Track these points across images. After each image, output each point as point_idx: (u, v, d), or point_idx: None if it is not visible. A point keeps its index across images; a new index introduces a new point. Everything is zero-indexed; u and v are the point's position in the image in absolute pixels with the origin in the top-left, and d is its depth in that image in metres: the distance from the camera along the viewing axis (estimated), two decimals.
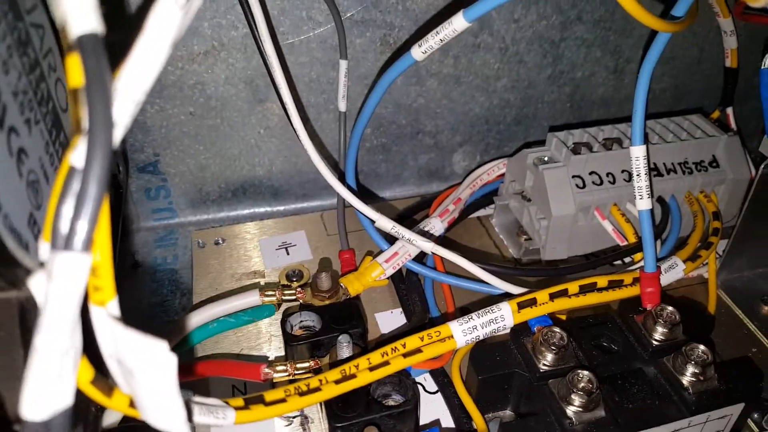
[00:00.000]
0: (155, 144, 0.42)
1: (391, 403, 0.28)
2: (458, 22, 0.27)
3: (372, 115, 0.35)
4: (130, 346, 0.15)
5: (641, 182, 0.31)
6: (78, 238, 0.13)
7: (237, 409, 0.23)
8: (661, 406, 0.28)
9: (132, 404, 0.18)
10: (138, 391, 0.16)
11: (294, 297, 0.34)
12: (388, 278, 0.37)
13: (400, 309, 0.37)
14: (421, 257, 0.38)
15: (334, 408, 0.28)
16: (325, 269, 0.34)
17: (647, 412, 0.28)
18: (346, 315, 0.33)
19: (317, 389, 0.25)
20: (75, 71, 0.13)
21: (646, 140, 0.31)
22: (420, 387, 0.32)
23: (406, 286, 0.37)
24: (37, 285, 0.14)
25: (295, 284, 0.35)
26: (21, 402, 0.13)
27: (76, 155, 0.13)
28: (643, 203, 0.31)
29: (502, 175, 0.45)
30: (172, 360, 0.15)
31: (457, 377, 0.31)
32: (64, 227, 0.13)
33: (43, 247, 0.14)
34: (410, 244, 0.35)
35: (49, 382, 0.13)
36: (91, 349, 0.16)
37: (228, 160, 0.44)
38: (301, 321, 0.33)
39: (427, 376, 0.33)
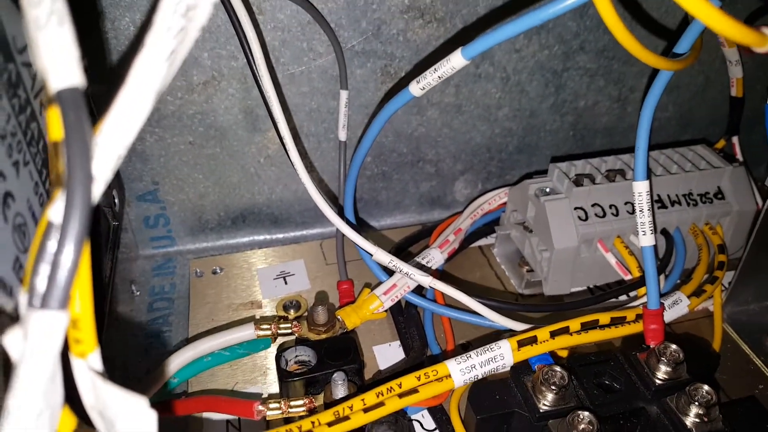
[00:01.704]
0: (154, 173, 0.42)
1: None
2: (456, 60, 0.27)
3: (371, 146, 0.34)
4: (111, 401, 0.15)
5: (644, 218, 0.30)
6: (54, 296, 0.13)
7: None
8: None
9: None
10: None
11: (290, 331, 0.33)
12: (386, 311, 0.36)
13: (399, 342, 0.36)
14: (420, 289, 0.38)
15: None
16: (321, 302, 0.34)
17: None
18: (343, 350, 0.32)
19: (312, 428, 0.25)
20: (55, 125, 0.13)
21: (649, 174, 0.31)
22: (417, 424, 0.32)
23: (404, 319, 0.37)
24: (12, 342, 0.13)
25: (292, 315, 0.35)
26: None
27: (55, 210, 0.13)
28: (646, 239, 0.30)
29: (504, 203, 0.44)
30: (152, 417, 0.15)
31: (455, 415, 0.31)
32: (40, 285, 0.13)
33: (22, 299, 0.14)
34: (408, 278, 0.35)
35: None
36: (74, 396, 0.16)
37: (227, 188, 0.44)
38: (297, 356, 0.32)
39: (425, 413, 0.32)
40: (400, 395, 0.27)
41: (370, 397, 0.26)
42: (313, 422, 0.25)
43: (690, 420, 0.28)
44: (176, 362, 0.32)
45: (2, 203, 0.18)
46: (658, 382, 0.29)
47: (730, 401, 0.30)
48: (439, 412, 0.32)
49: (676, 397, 0.29)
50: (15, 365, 0.13)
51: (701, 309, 0.39)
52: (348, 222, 0.36)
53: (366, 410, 0.26)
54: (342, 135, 0.40)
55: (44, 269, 0.13)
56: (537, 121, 0.46)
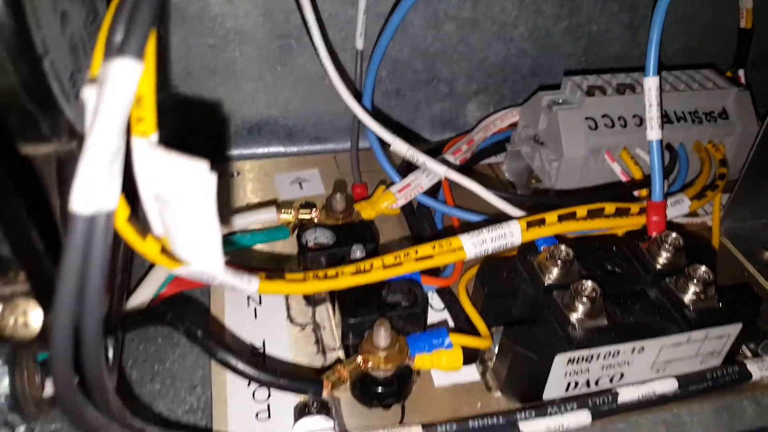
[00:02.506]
0: (174, 75, 0.43)
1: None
2: None
3: (393, 34, 0.35)
4: (171, 170, 0.16)
5: (653, 112, 0.32)
6: (132, 45, 0.14)
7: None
8: (661, 321, 0.29)
9: (163, 250, 0.19)
10: (174, 226, 0.17)
11: (309, 216, 0.35)
12: (399, 209, 0.38)
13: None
14: (432, 192, 0.39)
15: (347, 306, 0.29)
16: (339, 190, 0.35)
17: (648, 325, 0.29)
18: (360, 233, 0.34)
19: (334, 277, 0.26)
20: None
21: (659, 77, 0.32)
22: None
23: (417, 217, 0.38)
24: (89, 93, 0.15)
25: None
26: (70, 197, 0.14)
27: None
28: (654, 133, 0.32)
29: (514, 124, 0.45)
30: (212, 179, 0.16)
31: (463, 295, 0.32)
32: (118, 36, 0.14)
33: (88, 90, 0.15)
34: (424, 170, 0.36)
35: (98, 180, 0.14)
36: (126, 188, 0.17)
37: (244, 96, 0.45)
38: (316, 237, 0.34)
39: (434, 295, 0.34)
40: (417, 259, 0.28)
41: (388, 258, 0.28)
42: (337, 271, 0.27)
43: (688, 297, 0.30)
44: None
45: (61, 18, 0.19)
46: (658, 267, 0.31)
47: (725, 286, 0.31)
48: (447, 294, 0.34)
49: (675, 278, 0.30)
50: (90, 115, 0.15)
51: (700, 222, 0.40)
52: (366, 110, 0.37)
53: (385, 267, 0.28)
54: (359, 43, 0.41)
55: (122, 22, 0.14)
56: (551, 44, 0.47)
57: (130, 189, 0.17)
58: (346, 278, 0.27)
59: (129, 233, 0.18)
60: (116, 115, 0.14)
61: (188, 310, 0.34)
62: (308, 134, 0.48)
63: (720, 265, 0.37)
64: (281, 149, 0.49)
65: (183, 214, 0.17)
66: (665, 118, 0.40)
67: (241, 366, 0.25)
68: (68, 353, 0.17)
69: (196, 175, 0.16)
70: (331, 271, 0.27)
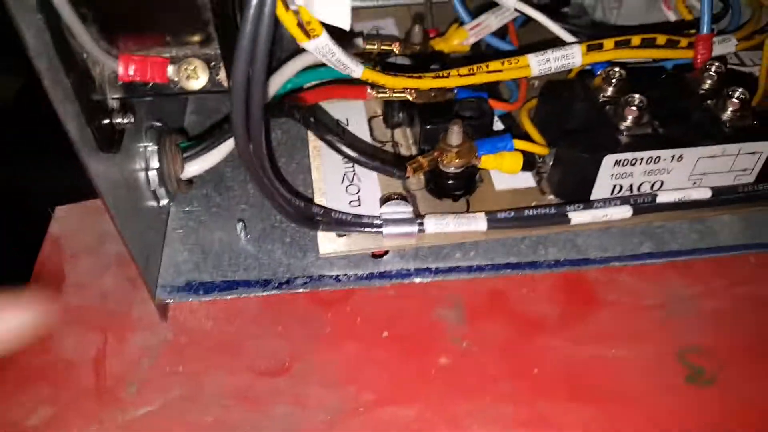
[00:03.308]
0: None
1: None
2: None
3: None
4: None
5: None
6: None
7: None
8: (700, 134, 0.34)
9: (299, 24, 0.24)
10: None
11: (390, 48, 0.40)
12: (470, 46, 0.42)
13: None
14: (501, 35, 0.43)
15: (425, 115, 0.34)
16: (418, 22, 0.39)
17: (688, 136, 0.33)
18: (436, 60, 0.38)
19: (418, 78, 0.32)
20: None
21: None
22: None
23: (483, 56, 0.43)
24: None
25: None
26: None
27: None
28: None
29: None
30: None
31: (524, 118, 0.37)
32: None
33: None
34: (495, 6, 0.40)
35: None
36: None
37: None
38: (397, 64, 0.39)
39: (497, 121, 0.39)
40: (488, 72, 0.33)
41: (463, 69, 0.33)
42: (420, 75, 0.32)
43: (725, 115, 0.34)
44: (293, 67, 0.39)
45: None
46: (701, 91, 0.35)
47: (762, 110, 0.35)
48: (510, 119, 0.39)
49: (716, 100, 0.34)
50: None
51: (748, 72, 0.43)
52: None
53: (461, 75, 0.33)
54: None
55: None
56: None
57: None
58: (428, 80, 0.32)
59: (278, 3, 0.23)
60: None
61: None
62: None
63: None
64: (358, 4, 0.52)
65: None
66: None
67: (344, 147, 0.31)
68: (243, 96, 0.22)
69: None
70: (416, 75, 0.32)
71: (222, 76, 0.26)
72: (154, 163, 0.32)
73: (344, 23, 0.23)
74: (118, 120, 0.27)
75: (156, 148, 0.32)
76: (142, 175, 0.32)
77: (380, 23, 0.49)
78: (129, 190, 0.30)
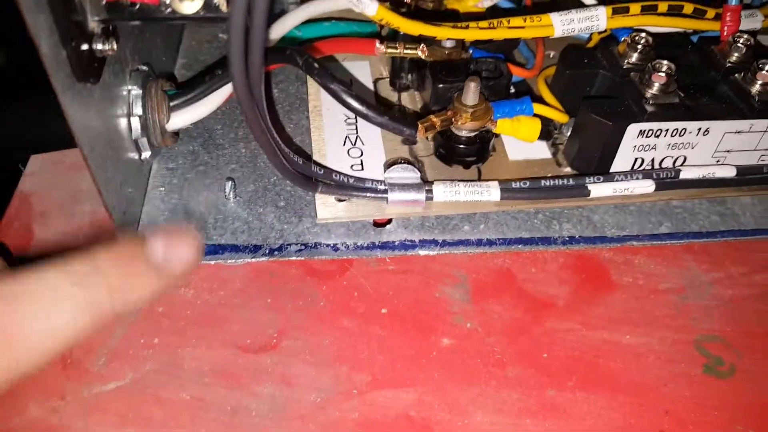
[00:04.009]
0: None
1: None
2: None
3: None
4: None
5: None
6: None
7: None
8: (728, 108, 0.32)
9: None
10: None
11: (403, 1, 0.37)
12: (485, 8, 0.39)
13: None
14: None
15: (438, 74, 0.32)
16: None
17: (715, 109, 0.31)
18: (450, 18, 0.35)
19: (436, 25, 0.29)
20: None
21: None
22: None
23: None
24: None
25: None
26: None
27: None
28: None
29: None
30: None
31: (542, 85, 0.35)
32: None
33: None
34: None
35: None
36: None
37: None
38: None
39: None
40: (509, 28, 0.31)
41: (483, 23, 0.30)
42: (439, 24, 0.29)
43: (755, 89, 0.32)
44: (295, 17, 0.35)
45: None
46: (728, 64, 0.33)
47: None
48: (526, 86, 0.36)
49: (744, 73, 0.32)
50: None
51: None
52: None
53: (481, 28, 0.30)
54: None
55: None
56: None
57: None
58: (446, 29, 0.29)
59: None
60: None
61: None
62: None
63: None
64: None
65: None
66: None
67: (350, 99, 0.28)
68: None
69: None
70: (434, 23, 0.29)
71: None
72: (138, 110, 0.29)
73: None
74: (99, 46, 0.23)
75: (140, 92, 0.29)
76: (123, 121, 0.29)
77: None
78: (108, 136, 0.27)
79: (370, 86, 0.37)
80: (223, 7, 0.23)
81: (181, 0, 0.23)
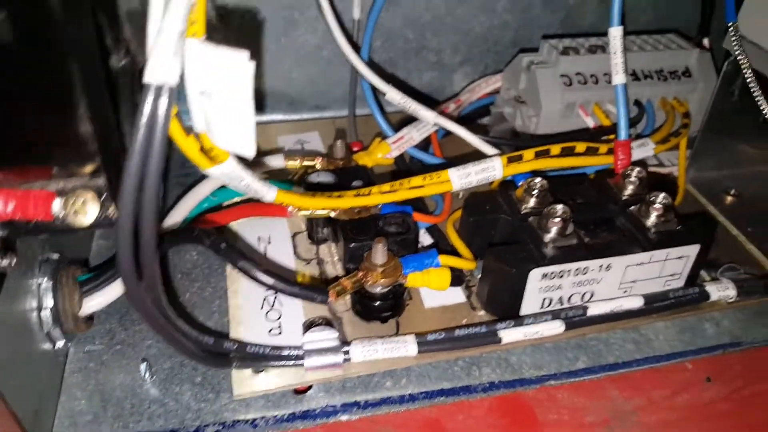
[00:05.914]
0: None
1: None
2: None
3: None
4: (216, 62, 0.19)
5: (617, 59, 0.36)
6: None
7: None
8: (626, 242, 0.33)
9: (201, 149, 0.22)
10: (215, 114, 0.20)
11: (313, 163, 0.39)
12: (393, 160, 0.41)
13: None
14: (424, 147, 0.43)
15: (349, 233, 0.33)
16: (340, 138, 0.39)
17: (613, 245, 0.33)
18: (359, 175, 0.37)
19: (338, 197, 0.30)
20: None
21: (623, 23, 0.36)
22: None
23: (407, 168, 0.42)
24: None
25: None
26: (144, 70, 0.18)
27: None
28: (619, 78, 0.36)
29: (498, 89, 0.49)
30: (250, 66, 0.20)
31: (451, 230, 0.36)
32: None
33: None
34: (416, 124, 0.39)
35: (167, 55, 0.18)
36: None
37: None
38: (319, 179, 0.37)
39: (424, 234, 0.38)
40: (410, 188, 0.32)
41: (385, 186, 0.32)
42: (341, 194, 0.31)
43: (650, 221, 0.33)
44: (209, 185, 0.37)
45: None
46: (624, 197, 0.35)
47: (685, 215, 0.35)
48: (436, 231, 0.37)
49: (639, 206, 0.34)
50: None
51: (667, 172, 0.44)
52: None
53: (382, 193, 0.31)
54: (356, 12, 0.44)
55: None
56: (530, 16, 0.51)
57: None
58: (348, 199, 0.31)
59: (175, 129, 0.21)
60: (184, 3, 0.18)
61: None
62: (308, 103, 0.52)
63: (685, 208, 0.42)
64: (283, 117, 0.52)
65: (223, 101, 0.20)
66: (633, 76, 0.44)
67: (259, 274, 0.29)
68: (131, 225, 0.20)
69: (236, 63, 0.19)
70: (336, 194, 0.31)
71: (115, 209, 0.24)
72: (48, 302, 0.29)
73: (248, 151, 0.22)
74: None
75: (50, 284, 0.29)
76: (33, 315, 0.29)
77: (304, 137, 0.48)
78: (15, 335, 0.27)
79: (289, 240, 0.38)
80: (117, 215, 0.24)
81: (76, 213, 0.23)
